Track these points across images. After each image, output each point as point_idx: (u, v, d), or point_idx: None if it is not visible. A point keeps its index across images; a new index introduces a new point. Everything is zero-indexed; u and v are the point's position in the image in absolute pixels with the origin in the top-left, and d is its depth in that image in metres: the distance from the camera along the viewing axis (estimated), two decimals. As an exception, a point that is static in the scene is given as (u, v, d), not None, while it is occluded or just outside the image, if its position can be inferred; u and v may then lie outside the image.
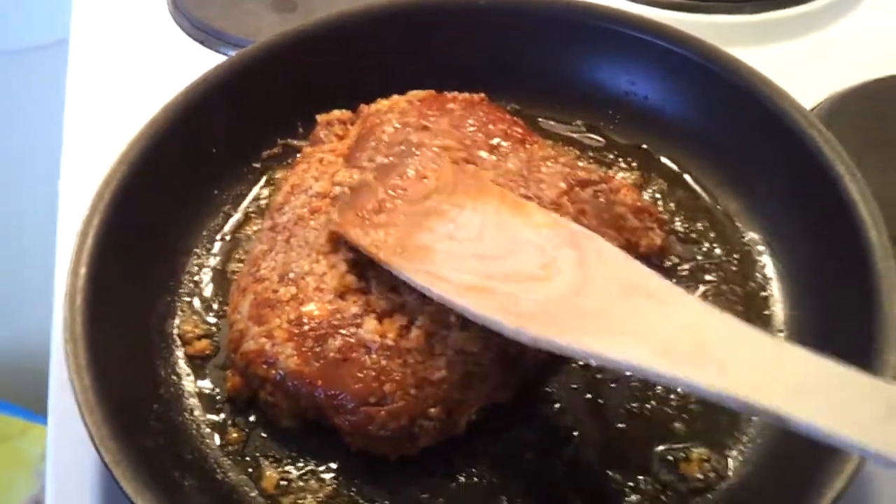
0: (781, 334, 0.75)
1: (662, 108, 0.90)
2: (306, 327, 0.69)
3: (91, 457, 0.65)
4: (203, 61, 0.97)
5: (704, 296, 0.77)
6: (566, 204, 0.75)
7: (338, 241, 0.72)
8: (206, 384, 0.73)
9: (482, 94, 0.85)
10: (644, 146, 0.89)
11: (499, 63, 0.93)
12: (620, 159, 0.88)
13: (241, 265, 0.79)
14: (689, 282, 0.78)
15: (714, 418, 0.70)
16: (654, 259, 0.77)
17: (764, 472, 0.67)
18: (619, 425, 0.70)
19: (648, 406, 0.71)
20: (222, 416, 0.72)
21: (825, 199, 0.75)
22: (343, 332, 0.69)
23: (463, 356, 0.68)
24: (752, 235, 0.81)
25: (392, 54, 0.90)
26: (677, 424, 0.70)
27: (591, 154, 0.89)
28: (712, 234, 0.82)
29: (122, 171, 0.76)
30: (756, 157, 0.83)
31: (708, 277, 0.79)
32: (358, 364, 0.67)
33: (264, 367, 0.69)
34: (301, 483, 0.68)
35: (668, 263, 0.79)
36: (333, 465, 0.69)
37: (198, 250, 0.81)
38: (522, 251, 0.65)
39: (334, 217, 0.72)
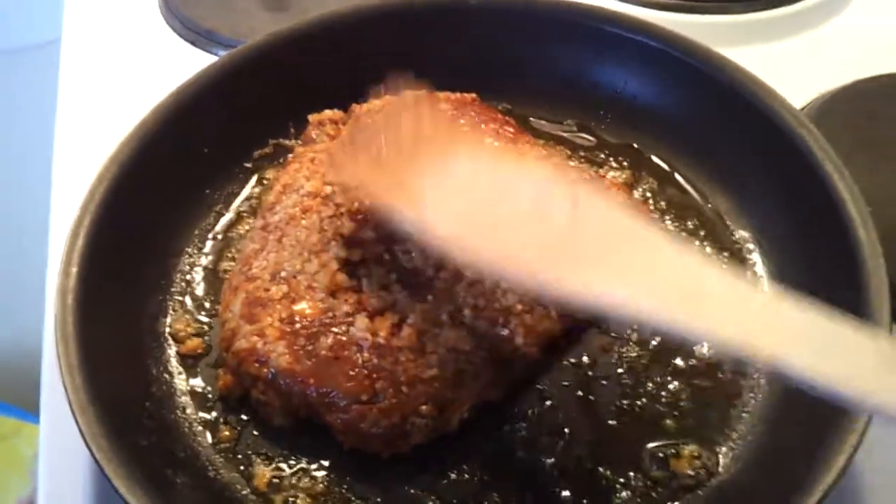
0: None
1: (653, 108, 0.90)
2: (298, 326, 0.70)
3: (83, 455, 0.65)
4: (194, 61, 0.97)
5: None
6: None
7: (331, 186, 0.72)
8: (198, 382, 0.73)
9: (474, 94, 0.86)
10: (635, 145, 0.89)
11: (490, 63, 0.93)
12: (611, 158, 0.88)
13: (232, 264, 0.79)
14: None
15: (704, 415, 0.71)
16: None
17: (754, 468, 0.67)
18: (610, 422, 0.70)
19: (639, 403, 0.71)
20: (214, 414, 0.72)
21: (814, 198, 0.76)
22: (335, 330, 0.69)
23: (454, 354, 0.68)
24: (741, 234, 0.82)
25: (384, 54, 0.90)
26: (668, 421, 0.70)
27: (582, 153, 0.89)
28: (702, 233, 0.82)
29: (113, 171, 0.76)
30: (746, 156, 0.84)
31: (698, 275, 0.79)
32: (350, 362, 0.68)
33: (256, 365, 0.69)
34: (293, 481, 0.68)
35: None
36: (325, 463, 0.69)
37: (189, 250, 0.81)
38: (516, 197, 0.64)
39: (328, 157, 0.71)
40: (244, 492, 0.68)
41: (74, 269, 0.70)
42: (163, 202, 0.80)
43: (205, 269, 0.80)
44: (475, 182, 0.66)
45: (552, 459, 0.69)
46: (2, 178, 1.66)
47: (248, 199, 0.85)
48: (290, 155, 0.85)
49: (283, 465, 0.69)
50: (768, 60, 0.98)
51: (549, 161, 0.70)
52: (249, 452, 0.70)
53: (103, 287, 0.71)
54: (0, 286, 1.63)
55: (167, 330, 0.76)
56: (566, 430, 0.70)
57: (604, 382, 0.72)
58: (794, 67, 1.01)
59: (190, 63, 0.94)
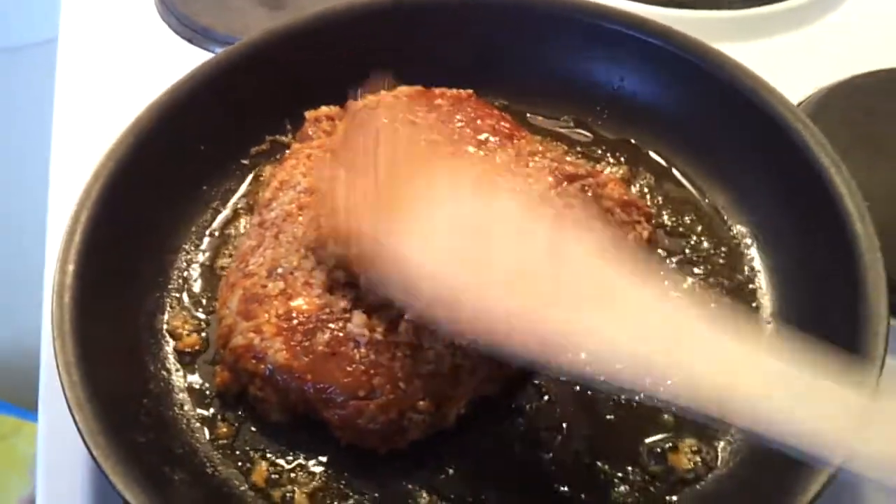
0: (769, 326, 0.75)
1: (650, 104, 0.90)
2: (295, 322, 0.69)
3: (81, 453, 0.65)
4: (191, 59, 0.97)
5: (692, 288, 0.78)
6: (554, 198, 0.75)
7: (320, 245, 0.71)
8: (195, 379, 0.73)
9: (470, 91, 0.86)
10: (632, 141, 0.89)
11: (487, 59, 0.93)
12: (608, 154, 0.88)
13: (229, 261, 0.79)
14: (677, 275, 0.79)
15: (702, 410, 0.70)
16: (641, 252, 0.77)
17: (753, 461, 0.67)
18: (608, 417, 0.70)
19: (637, 397, 0.71)
20: (212, 410, 0.72)
21: (811, 193, 0.76)
22: (332, 326, 0.69)
23: (451, 350, 0.68)
24: (739, 229, 0.82)
25: (380, 50, 0.90)
26: (666, 416, 0.70)
27: (579, 149, 0.89)
28: (700, 228, 0.82)
29: (109, 168, 0.76)
30: (744, 151, 0.84)
31: (696, 270, 0.79)
32: (347, 358, 0.68)
33: (253, 361, 0.69)
34: (291, 476, 0.68)
35: (656, 257, 0.79)
36: (323, 459, 0.69)
37: (186, 247, 0.81)
38: (497, 235, 0.63)
39: (317, 175, 0.71)
40: (242, 488, 0.68)
41: (71, 267, 0.70)
42: (159, 199, 0.80)
43: (202, 265, 0.80)
44: (454, 215, 0.65)
45: (550, 454, 0.69)
46: (1, 177, 1.66)
47: (244, 195, 0.85)
48: (287, 151, 0.85)
49: (281, 461, 0.69)
50: (765, 56, 0.98)
51: (530, 195, 0.70)
52: (247, 448, 0.70)
53: (100, 284, 0.71)
54: None
55: (164, 327, 0.76)
56: (564, 425, 0.70)
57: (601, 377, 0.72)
58: (791, 63, 1.01)
59: (186, 60, 0.93)
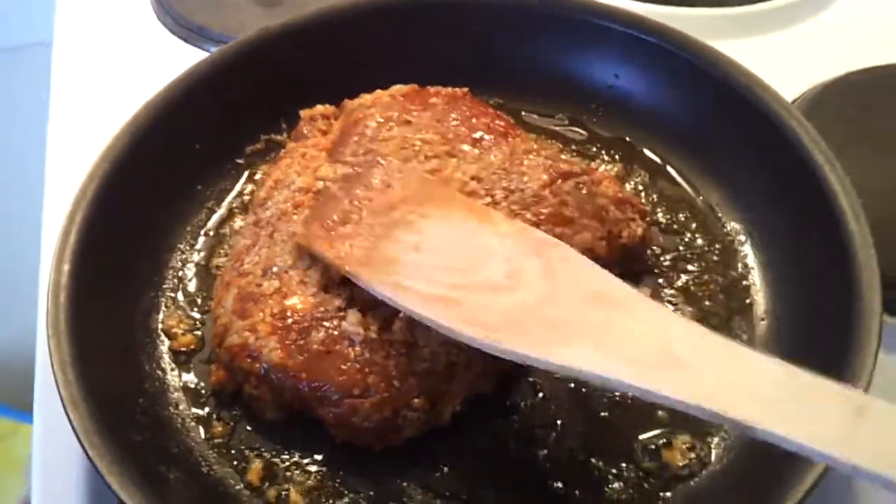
0: (763, 323, 0.76)
1: (645, 101, 0.90)
2: (290, 320, 0.70)
3: (77, 453, 0.65)
4: (186, 58, 0.97)
5: (686, 286, 0.78)
6: (548, 196, 0.75)
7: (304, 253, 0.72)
8: (190, 378, 0.73)
9: (465, 89, 0.86)
10: (627, 139, 0.89)
11: (482, 58, 0.93)
12: (603, 152, 0.88)
13: (224, 260, 0.79)
14: (671, 272, 0.79)
15: (696, 407, 0.71)
16: (635, 250, 0.78)
17: (747, 457, 0.68)
18: (602, 414, 0.71)
19: (631, 395, 0.71)
20: (207, 409, 0.72)
21: (805, 190, 0.76)
22: (326, 324, 0.69)
23: (446, 347, 0.68)
24: (733, 226, 0.82)
25: (375, 49, 0.90)
26: (660, 413, 0.70)
27: (574, 147, 0.89)
28: (694, 225, 0.82)
29: (104, 167, 0.76)
30: (738, 148, 0.84)
31: (690, 267, 0.79)
32: (342, 356, 0.68)
33: (248, 360, 0.69)
34: (286, 475, 0.68)
35: (650, 254, 0.79)
36: (318, 457, 0.69)
37: (181, 246, 0.82)
38: (489, 261, 0.65)
39: (299, 230, 0.72)
40: (238, 486, 0.68)
41: (66, 266, 0.70)
42: (154, 199, 0.80)
43: (197, 265, 0.80)
44: (449, 246, 0.67)
45: (545, 451, 0.69)
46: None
47: (239, 195, 0.85)
48: (282, 150, 0.85)
49: (277, 460, 0.69)
50: (760, 53, 0.98)
51: (520, 224, 0.70)
52: (243, 447, 0.70)
53: (95, 284, 0.72)
54: (-2, 287, 1.63)
55: (160, 326, 0.76)
56: (558, 422, 0.70)
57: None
58: (785, 60, 1.01)
59: (182, 59, 0.93)
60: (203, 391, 0.73)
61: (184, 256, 0.81)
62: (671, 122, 0.88)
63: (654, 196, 0.84)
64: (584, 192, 0.77)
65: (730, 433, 0.69)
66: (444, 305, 0.63)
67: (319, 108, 0.86)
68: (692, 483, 0.67)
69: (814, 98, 0.95)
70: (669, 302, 0.77)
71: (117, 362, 0.72)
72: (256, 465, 0.69)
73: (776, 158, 0.80)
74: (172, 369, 0.74)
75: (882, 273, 0.68)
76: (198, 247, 0.82)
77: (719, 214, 0.83)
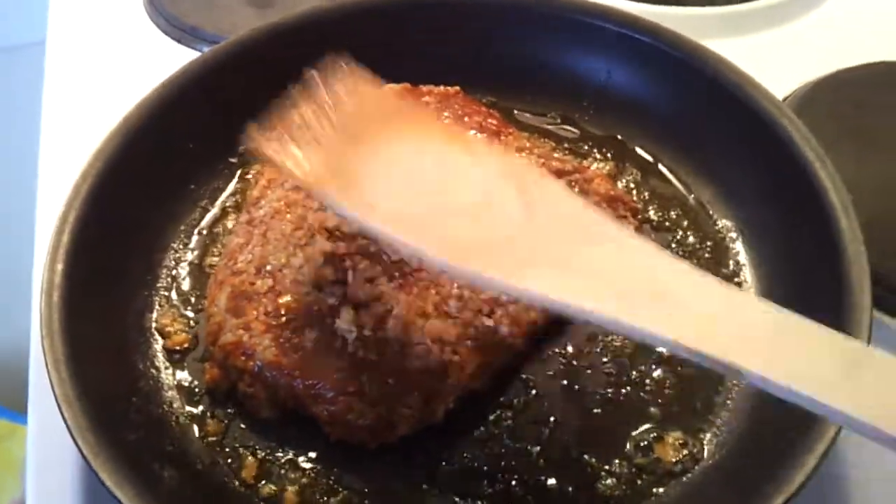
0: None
1: (636, 100, 0.90)
2: (283, 319, 0.70)
3: (71, 452, 0.65)
4: (179, 59, 0.96)
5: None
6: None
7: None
8: (184, 377, 0.74)
9: (457, 88, 0.86)
10: (618, 137, 0.90)
11: (474, 57, 0.93)
12: (595, 150, 0.89)
13: (218, 259, 0.79)
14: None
15: (689, 402, 0.71)
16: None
17: (739, 453, 0.68)
18: (595, 411, 0.71)
19: (624, 391, 0.71)
20: (201, 408, 0.72)
21: (796, 187, 0.76)
22: (320, 322, 0.69)
23: (440, 345, 0.68)
24: (724, 223, 0.82)
25: (367, 48, 0.89)
26: (652, 409, 0.70)
27: (566, 145, 0.89)
28: (685, 223, 0.82)
29: (97, 167, 0.76)
30: (729, 146, 0.84)
31: (681, 264, 0.79)
32: (335, 354, 0.68)
33: (242, 358, 0.70)
34: (280, 472, 0.68)
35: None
36: (312, 454, 0.69)
37: (175, 245, 0.82)
38: (463, 185, 0.60)
39: (251, 136, 0.65)
40: (232, 484, 0.68)
41: (60, 266, 0.70)
42: (147, 198, 0.80)
43: (190, 264, 0.81)
44: (421, 167, 0.61)
45: (538, 448, 0.69)
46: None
47: (233, 194, 0.86)
48: (275, 150, 0.85)
49: (271, 458, 0.69)
50: (751, 51, 0.99)
51: (501, 146, 0.66)
52: (237, 445, 0.70)
53: (89, 283, 0.72)
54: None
55: (153, 325, 0.76)
56: (552, 418, 0.70)
57: (588, 371, 0.73)
58: (776, 58, 1.02)
59: (175, 60, 0.93)
60: (197, 389, 0.73)
61: (177, 255, 0.81)
62: (663, 121, 0.89)
63: (646, 194, 0.85)
64: (576, 189, 0.77)
65: (722, 429, 0.70)
66: (413, 226, 0.58)
67: (312, 107, 0.86)
68: (684, 479, 0.68)
69: (805, 95, 0.95)
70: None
71: (111, 361, 0.72)
72: (251, 462, 0.69)
73: (767, 156, 0.80)
74: (166, 368, 0.74)
75: (872, 269, 0.69)
76: (191, 246, 0.82)
77: (711, 212, 0.83)
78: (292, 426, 0.70)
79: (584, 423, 0.70)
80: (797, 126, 0.78)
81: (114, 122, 0.79)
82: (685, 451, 0.69)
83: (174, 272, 0.80)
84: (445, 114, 0.82)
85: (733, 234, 0.81)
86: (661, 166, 0.87)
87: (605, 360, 0.73)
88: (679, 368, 0.72)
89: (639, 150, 0.88)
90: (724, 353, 0.50)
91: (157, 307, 0.77)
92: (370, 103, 0.65)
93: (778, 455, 0.62)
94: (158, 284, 0.79)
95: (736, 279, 0.78)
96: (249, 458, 0.69)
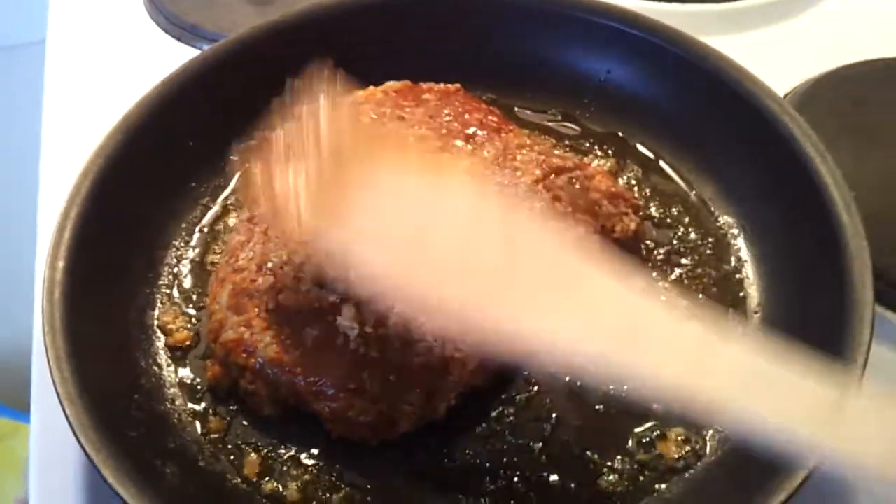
0: (756, 316, 0.76)
1: (637, 96, 0.90)
2: (285, 316, 0.70)
3: (74, 449, 0.65)
4: (179, 57, 0.96)
5: (680, 279, 0.78)
6: (541, 191, 0.75)
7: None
8: (186, 374, 0.74)
9: (458, 85, 0.86)
10: (619, 134, 0.90)
11: (475, 54, 0.93)
12: (596, 147, 0.89)
13: (219, 257, 0.79)
14: (665, 266, 0.79)
15: (691, 399, 0.71)
16: (629, 244, 0.78)
17: (741, 450, 0.68)
18: (597, 407, 0.71)
19: (625, 388, 0.71)
20: (203, 405, 0.72)
21: (797, 183, 0.76)
22: (321, 319, 0.69)
23: (441, 341, 0.68)
24: (726, 219, 0.82)
25: (368, 46, 0.90)
26: (654, 405, 0.70)
27: (566, 142, 0.89)
28: (687, 219, 0.82)
29: (98, 164, 0.76)
30: (730, 142, 0.84)
31: (683, 261, 0.79)
32: (337, 351, 0.68)
33: (244, 355, 0.70)
34: (282, 469, 0.68)
35: (644, 248, 0.80)
36: (314, 451, 0.69)
37: (176, 243, 0.82)
38: (446, 220, 0.60)
39: (242, 178, 0.66)
40: (234, 481, 0.68)
41: (61, 263, 0.70)
42: (148, 196, 0.80)
43: (192, 261, 0.81)
44: (403, 204, 0.61)
45: (540, 444, 0.69)
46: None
47: (234, 191, 0.85)
48: (276, 147, 0.85)
49: (273, 454, 0.69)
50: (752, 48, 0.99)
51: (483, 178, 0.66)
52: (239, 442, 0.70)
53: (90, 280, 0.72)
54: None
55: (155, 322, 0.76)
56: (553, 415, 0.70)
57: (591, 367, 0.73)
58: (777, 55, 1.02)
59: (175, 58, 0.93)
60: (199, 387, 0.73)
61: (179, 253, 0.81)
62: (664, 117, 0.89)
63: (647, 190, 0.85)
64: (577, 186, 0.77)
65: (724, 426, 0.69)
66: (399, 268, 0.58)
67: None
68: (687, 475, 0.68)
69: (805, 92, 0.95)
70: (663, 295, 0.77)
71: (113, 358, 0.72)
72: (253, 459, 0.69)
73: (768, 152, 0.80)
74: (168, 365, 0.74)
75: (874, 264, 0.69)
76: (193, 243, 0.82)
77: (712, 208, 0.83)
78: (294, 423, 0.70)
79: (586, 419, 0.70)
80: (798, 122, 0.78)
81: (114, 120, 0.79)
82: (687, 448, 0.69)
83: (176, 270, 0.80)
84: (446, 111, 0.82)
85: (735, 231, 0.81)
86: (662, 163, 0.87)
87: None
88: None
89: (640, 147, 0.88)
90: (702, 397, 0.50)
91: (158, 304, 0.77)
92: (354, 137, 0.65)
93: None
94: (160, 282, 0.79)
95: (737, 275, 0.79)
96: (251, 455, 0.69)
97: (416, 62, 0.88)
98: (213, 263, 0.80)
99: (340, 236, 0.60)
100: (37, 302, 0.75)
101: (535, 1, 0.92)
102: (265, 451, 0.69)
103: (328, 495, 0.67)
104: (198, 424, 0.71)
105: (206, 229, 0.83)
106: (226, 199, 0.85)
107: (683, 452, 0.68)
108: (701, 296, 0.77)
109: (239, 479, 0.68)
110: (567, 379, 0.72)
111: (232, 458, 0.69)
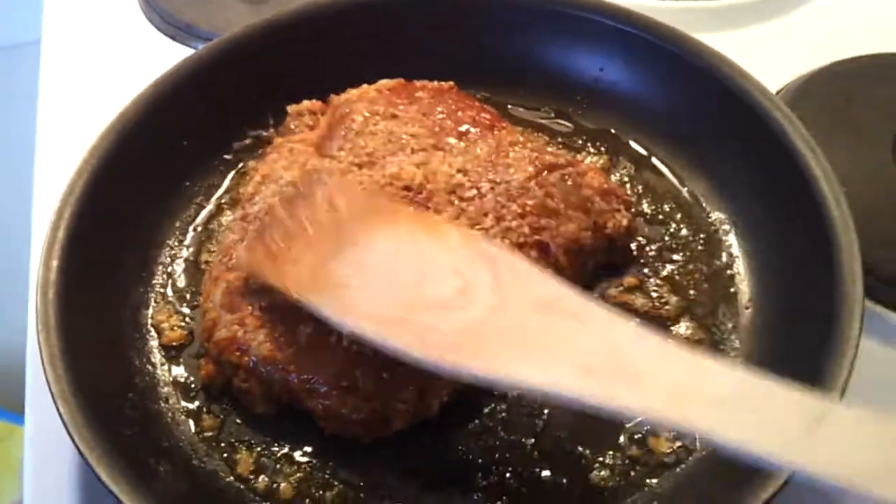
0: (747, 311, 0.76)
1: (630, 93, 0.90)
2: (278, 314, 0.70)
3: (68, 449, 0.66)
4: (174, 55, 0.97)
5: (671, 275, 0.78)
6: (534, 187, 0.75)
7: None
8: (180, 372, 0.74)
9: (451, 83, 0.86)
10: (612, 131, 0.90)
11: (468, 52, 0.93)
12: (589, 144, 0.89)
13: (213, 255, 0.80)
14: (657, 262, 0.79)
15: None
16: (621, 240, 0.78)
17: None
18: (589, 403, 0.71)
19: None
20: (197, 403, 0.72)
21: (789, 179, 0.76)
22: (315, 318, 0.69)
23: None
24: (718, 215, 0.83)
25: (361, 44, 0.91)
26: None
27: (559, 139, 0.89)
28: (679, 215, 0.83)
29: (92, 163, 0.77)
30: (722, 139, 0.85)
31: (675, 257, 0.80)
32: (330, 349, 0.68)
33: (237, 354, 0.70)
34: (276, 467, 0.69)
35: (636, 244, 0.80)
36: (308, 449, 0.70)
37: (170, 242, 0.82)
38: (438, 276, 0.64)
39: (243, 256, 0.71)
40: (228, 479, 0.68)
41: (55, 262, 0.71)
42: (143, 195, 0.81)
43: (186, 260, 0.81)
44: (397, 264, 0.65)
45: (532, 440, 0.69)
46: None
47: (227, 190, 0.86)
48: (269, 146, 0.85)
49: (266, 452, 0.70)
50: (744, 45, 0.99)
51: (470, 234, 0.69)
52: (232, 440, 0.70)
53: (84, 279, 0.72)
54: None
55: (149, 321, 0.77)
56: (545, 411, 0.71)
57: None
58: (769, 51, 1.02)
59: (169, 57, 0.93)
60: (193, 385, 0.73)
61: (173, 252, 0.81)
62: (656, 114, 0.89)
63: (640, 187, 0.85)
64: (569, 183, 0.77)
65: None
66: (393, 326, 0.62)
67: (306, 103, 0.86)
68: (678, 470, 0.68)
69: (798, 89, 0.95)
70: (655, 291, 0.77)
71: (107, 357, 0.72)
72: (246, 457, 0.69)
73: (760, 149, 0.80)
74: (162, 364, 0.74)
75: (864, 259, 0.69)
76: (186, 242, 0.82)
77: (704, 205, 0.83)
78: (287, 421, 0.71)
79: (578, 415, 0.70)
80: (790, 119, 0.78)
81: (109, 119, 0.80)
82: (678, 443, 0.69)
83: (170, 268, 0.80)
84: (439, 108, 0.83)
85: (727, 227, 0.82)
86: (654, 160, 0.87)
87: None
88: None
89: (632, 144, 0.89)
90: (688, 421, 0.51)
91: (152, 303, 0.78)
92: (346, 205, 0.69)
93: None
94: (154, 281, 0.79)
95: (729, 271, 0.79)
96: (245, 452, 0.69)
97: (409, 60, 0.89)
98: (206, 262, 0.80)
99: (341, 302, 0.65)
100: (31, 303, 0.76)
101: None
102: (259, 448, 0.70)
103: (322, 493, 0.68)
104: (191, 423, 0.71)
105: (199, 228, 0.83)
106: (220, 198, 0.85)
107: (674, 448, 0.69)
108: (693, 291, 0.77)
109: (232, 477, 0.68)
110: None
111: (225, 455, 0.69)
